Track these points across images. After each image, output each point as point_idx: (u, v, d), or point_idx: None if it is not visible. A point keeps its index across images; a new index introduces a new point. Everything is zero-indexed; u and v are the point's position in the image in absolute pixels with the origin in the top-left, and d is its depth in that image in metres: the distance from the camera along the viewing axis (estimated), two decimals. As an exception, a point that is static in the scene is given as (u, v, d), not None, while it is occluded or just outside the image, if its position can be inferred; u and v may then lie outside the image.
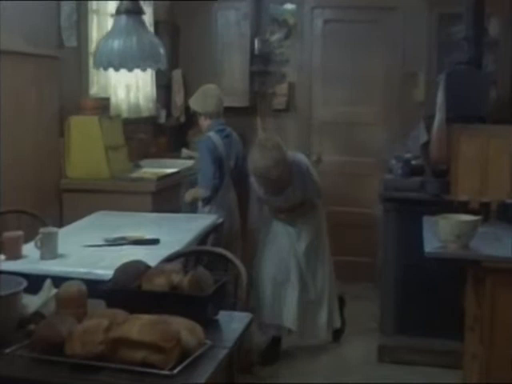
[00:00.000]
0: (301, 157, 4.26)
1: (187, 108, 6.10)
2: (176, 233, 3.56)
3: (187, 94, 6.07)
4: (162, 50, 3.84)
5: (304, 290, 4.20)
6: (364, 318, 5.03)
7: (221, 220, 3.68)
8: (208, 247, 3.19)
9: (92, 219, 3.93)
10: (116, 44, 3.67)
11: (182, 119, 6.13)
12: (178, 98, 6.05)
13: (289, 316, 4.13)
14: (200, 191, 4.26)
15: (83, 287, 2.18)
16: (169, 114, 6.01)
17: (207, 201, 4.21)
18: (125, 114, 5.03)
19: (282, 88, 6.21)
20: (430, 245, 3.17)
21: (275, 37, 6.20)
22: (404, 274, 4.38)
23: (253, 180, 4.13)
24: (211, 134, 4.30)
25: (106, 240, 3.34)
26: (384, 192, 4.50)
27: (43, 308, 2.20)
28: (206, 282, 2.18)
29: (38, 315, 2.15)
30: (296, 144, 6.27)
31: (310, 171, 4.24)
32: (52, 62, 4.22)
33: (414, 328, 4.37)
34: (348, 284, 5.78)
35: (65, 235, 3.54)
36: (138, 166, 4.92)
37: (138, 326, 1.84)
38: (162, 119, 5.75)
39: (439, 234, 3.13)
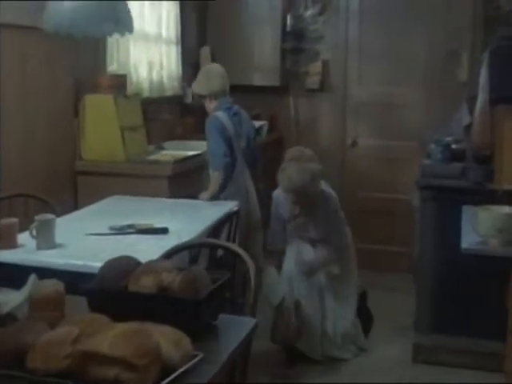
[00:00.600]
0: (332, 192, 4.01)
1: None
2: (190, 221, 3.29)
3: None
4: (127, 10, 3.14)
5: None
6: (399, 313, 4.69)
7: (236, 208, 3.37)
8: (213, 240, 2.89)
9: (104, 204, 3.69)
10: (68, 2, 2.88)
11: (211, 99, 5.82)
12: (205, 77, 5.74)
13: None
14: (215, 177, 3.89)
15: (61, 287, 1.91)
16: (196, 94, 5.72)
17: (222, 186, 3.89)
18: (146, 93, 4.76)
19: (316, 66, 5.86)
20: (468, 239, 2.83)
21: (309, 12, 5.85)
22: (442, 268, 4.01)
23: (278, 200, 3.94)
24: (218, 113, 3.98)
25: (112, 228, 3.08)
26: (421, 178, 4.14)
27: (19, 308, 1.93)
28: (202, 283, 1.89)
29: (10, 317, 1.88)
30: (330, 126, 5.97)
31: (339, 214, 4.03)
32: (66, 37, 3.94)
33: (452, 327, 4.02)
34: (383, 275, 5.55)
35: (72, 221, 3.33)
36: (160, 148, 4.66)
37: (110, 337, 1.56)
38: (189, 99, 5.45)
39: (479, 227, 2.78)
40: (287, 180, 3.67)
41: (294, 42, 5.80)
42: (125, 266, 1.95)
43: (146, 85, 4.77)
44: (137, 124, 4.21)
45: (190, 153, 4.37)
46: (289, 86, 5.95)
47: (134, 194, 3.83)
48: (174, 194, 3.89)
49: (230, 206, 3.58)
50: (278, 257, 4.01)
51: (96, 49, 4.27)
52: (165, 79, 5.05)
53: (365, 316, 4.23)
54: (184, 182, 4.00)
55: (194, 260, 2.86)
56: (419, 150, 5.18)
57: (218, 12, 5.80)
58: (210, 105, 4.06)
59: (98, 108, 4.03)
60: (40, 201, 3.52)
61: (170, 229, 3.09)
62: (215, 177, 3.88)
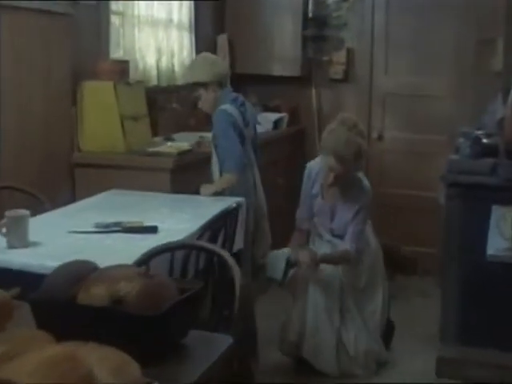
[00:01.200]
0: (369, 188, 3.72)
1: (234, 77, 5.52)
2: (186, 219, 2.99)
3: (234, 62, 5.49)
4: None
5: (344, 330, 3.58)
6: (424, 321, 4.32)
7: (235, 205, 3.03)
8: (198, 242, 2.57)
9: (98, 199, 3.43)
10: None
11: (228, 89, 5.52)
12: (222, 66, 5.43)
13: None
14: (227, 178, 3.53)
15: (5, 296, 1.62)
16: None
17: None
18: (154, 81, 4.47)
19: (340, 55, 5.52)
20: (495, 244, 2.48)
21: (333, -2, 5.51)
22: (469, 274, 3.64)
23: (310, 173, 3.65)
24: (226, 106, 3.61)
25: (98, 225, 2.80)
26: (447, 175, 3.79)
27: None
28: (164, 294, 1.58)
29: None
30: (355, 119, 5.61)
31: (366, 213, 3.71)
32: (64, 20, 3.69)
33: (481, 338, 3.64)
34: (409, 277, 5.22)
35: (59, 217, 3.08)
36: (169, 140, 4.36)
37: (33, 364, 1.26)
38: (203, 89, 5.15)
39: (506, 231, 2.42)
40: (334, 141, 3.38)
41: (316, 30, 5.48)
42: (76, 272, 1.65)
43: (153, 72, 4.48)
44: (140, 113, 3.92)
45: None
46: (311, 77, 5.63)
47: (135, 188, 3.56)
48: (176, 189, 3.59)
49: (232, 202, 3.26)
50: (303, 236, 3.74)
51: (98, 33, 4.01)
52: (176, 67, 4.76)
53: (387, 328, 3.87)
54: (188, 175, 3.70)
55: (185, 264, 2.55)
56: (449, 144, 4.83)
57: (235, -2, 5.50)
58: (210, 94, 3.65)
59: (97, 96, 3.76)
60: (28, 194, 3.25)
61: (163, 227, 2.81)
62: (228, 179, 3.53)
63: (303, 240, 3.73)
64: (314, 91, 5.67)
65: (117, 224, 2.80)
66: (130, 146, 3.76)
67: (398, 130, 5.51)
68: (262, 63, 5.47)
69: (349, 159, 3.38)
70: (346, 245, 3.57)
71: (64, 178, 3.81)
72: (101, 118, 3.77)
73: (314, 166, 3.64)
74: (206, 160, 3.74)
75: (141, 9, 4.33)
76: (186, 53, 4.90)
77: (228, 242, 2.87)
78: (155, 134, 4.44)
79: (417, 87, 5.40)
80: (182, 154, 3.76)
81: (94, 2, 3.91)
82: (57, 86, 3.72)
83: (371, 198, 3.70)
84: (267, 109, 5.55)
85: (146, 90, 4.42)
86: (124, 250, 2.40)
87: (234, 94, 3.71)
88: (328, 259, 3.57)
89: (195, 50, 5.01)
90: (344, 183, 3.54)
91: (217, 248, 2.31)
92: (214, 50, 5.41)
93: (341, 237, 3.62)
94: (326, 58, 5.55)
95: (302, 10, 5.36)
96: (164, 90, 4.59)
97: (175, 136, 4.50)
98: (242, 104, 3.68)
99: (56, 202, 3.35)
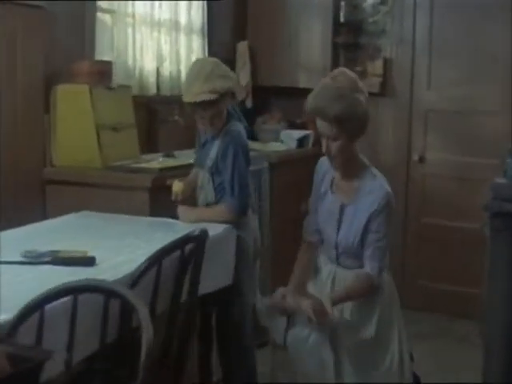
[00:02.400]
0: (387, 185, 2.67)
1: (256, 89, 4.95)
2: (142, 248, 2.39)
3: (255, 72, 4.92)
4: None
5: None
6: (464, 373, 3.73)
7: (197, 233, 2.38)
8: (95, 282, 1.92)
9: (61, 222, 2.94)
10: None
11: (249, 104, 4.94)
12: (242, 76, 4.87)
13: None
14: (222, 213, 2.87)
15: None
16: (230, 96, 4.86)
17: None
18: (153, 90, 3.93)
19: (376, 66, 4.90)
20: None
21: (369, 1, 4.89)
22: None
23: (320, 168, 2.76)
24: (237, 126, 2.97)
25: (27, 254, 2.23)
26: (492, 202, 3.10)
27: None
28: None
29: None
30: (392, 138, 5.00)
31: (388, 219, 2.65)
32: (35, 14, 3.18)
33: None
34: (448, 320, 4.63)
35: (5, 240, 2.49)
36: (168, 156, 3.78)
37: None
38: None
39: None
40: (320, 98, 2.54)
41: (349, 36, 4.88)
42: None
43: (152, 79, 3.93)
44: (124, 123, 3.36)
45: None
46: (343, 89, 4.98)
47: (110, 209, 3.04)
48: (156, 211, 3.01)
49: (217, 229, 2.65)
50: (312, 250, 2.82)
51: (80, 31, 3.48)
52: (183, 74, 4.20)
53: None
54: (170, 196, 3.09)
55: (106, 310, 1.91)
56: (502, 168, 4.13)
57: (258, 1, 4.92)
58: (218, 112, 2.89)
59: (71, 101, 3.23)
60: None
61: (108, 258, 2.23)
62: (224, 214, 2.87)
63: (312, 255, 2.90)
64: (346, 106, 5.03)
65: (51, 253, 2.23)
66: (108, 160, 3.20)
67: (442, 152, 4.84)
68: (287, 74, 4.90)
69: (340, 119, 2.48)
70: (365, 267, 2.61)
71: (34, 196, 3.29)
72: (75, 128, 3.24)
73: (324, 160, 2.76)
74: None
75: (137, 7, 3.80)
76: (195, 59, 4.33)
77: (181, 280, 2.22)
78: (154, 149, 3.89)
79: (464, 102, 4.73)
80: (166, 170, 3.17)
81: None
82: (26, 90, 3.21)
83: (392, 199, 2.63)
84: (293, 126, 4.96)
85: (146, 99, 3.92)
86: (32, 289, 1.82)
87: (233, 107, 3.10)
88: (344, 299, 2.63)
89: (208, 56, 4.46)
90: (350, 171, 2.65)
91: (129, 293, 1.69)
92: (232, 58, 4.86)
93: (347, 254, 2.70)
94: (359, 69, 4.91)
95: (332, 13, 4.76)
96: (166, 101, 4.03)
97: (178, 153, 3.91)
98: (241, 119, 3.08)
99: (24, 224, 2.82)
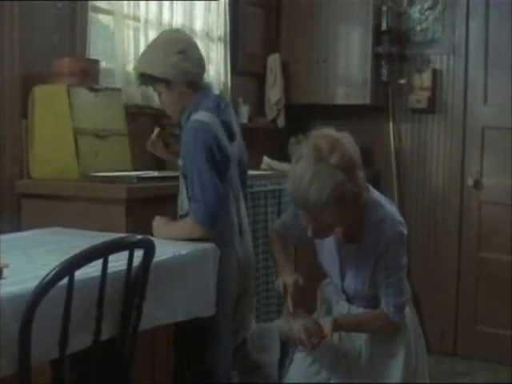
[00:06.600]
0: (399, 224, 2.15)
1: (289, 107, 4.49)
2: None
3: (288, 88, 4.47)
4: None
5: None
6: None
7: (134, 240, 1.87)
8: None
9: (23, 239, 2.49)
10: None
11: (281, 123, 4.48)
12: (273, 93, 4.43)
13: None
14: (191, 228, 2.37)
15: None
16: (259, 113, 4.42)
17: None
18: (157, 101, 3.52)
19: (424, 78, 4.39)
20: None
21: (416, 6, 4.38)
22: None
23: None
24: (202, 115, 2.42)
25: None
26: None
27: None
28: None
29: None
30: (444, 160, 4.44)
31: (402, 263, 2.18)
32: (8, 7, 2.83)
33: None
34: (502, 369, 4.05)
35: None
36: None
37: None
38: (243, 118, 4.14)
39: None
40: (291, 183, 2.00)
41: (393, 46, 4.35)
42: None
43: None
44: (109, 130, 2.93)
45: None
46: (386, 106, 4.47)
47: (86, 224, 2.62)
48: (133, 226, 2.55)
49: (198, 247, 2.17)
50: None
51: (71, 30, 3.12)
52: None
53: None
54: (154, 208, 2.62)
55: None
56: None
57: (292, 9, 4.48)
58: (174, 95, 2.53)
59: (49, 103, 2.83)
60: None
61: (22, 271, 1.81)
62: (193, 229, 2.36)
63: (282, 241, 2.37)
64: (391, 125, 4.50)
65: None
66: (88, 171, 2.76)
67: (501, 176, 4.26)
68: (324, 89, 4.42)
69: (320, 210, 1.96)
70: (381, 304, 2.17)
71: (8, 210, 2.89)
72: (53, 133, 2.83)
73: None
74: (174, 191, 2.66)
75: (142, 10, 3.43)
76: (213, 69, 3.91)
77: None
78: (161, 166, 3.47)
79: (527, 119, 4.14)
80: (144, 181, 2.71)
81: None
82: (1, 95, 2.84)
83: (401, 227, 2.13)
84: (330, 147, 4.43)
85: (152, 110, 3.51)
86: None
87: (215, 96, 2.61)
88: (352, 326, 2.22)
89: (230, 66, 4.04)
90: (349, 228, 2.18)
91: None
92: (262, 72, 4.43)
93: (359, 297, 2.26)
94: (404, 82, 4.39)
95: (372, 21, 4.27)
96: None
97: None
98: (226, 110, 2.55)
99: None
